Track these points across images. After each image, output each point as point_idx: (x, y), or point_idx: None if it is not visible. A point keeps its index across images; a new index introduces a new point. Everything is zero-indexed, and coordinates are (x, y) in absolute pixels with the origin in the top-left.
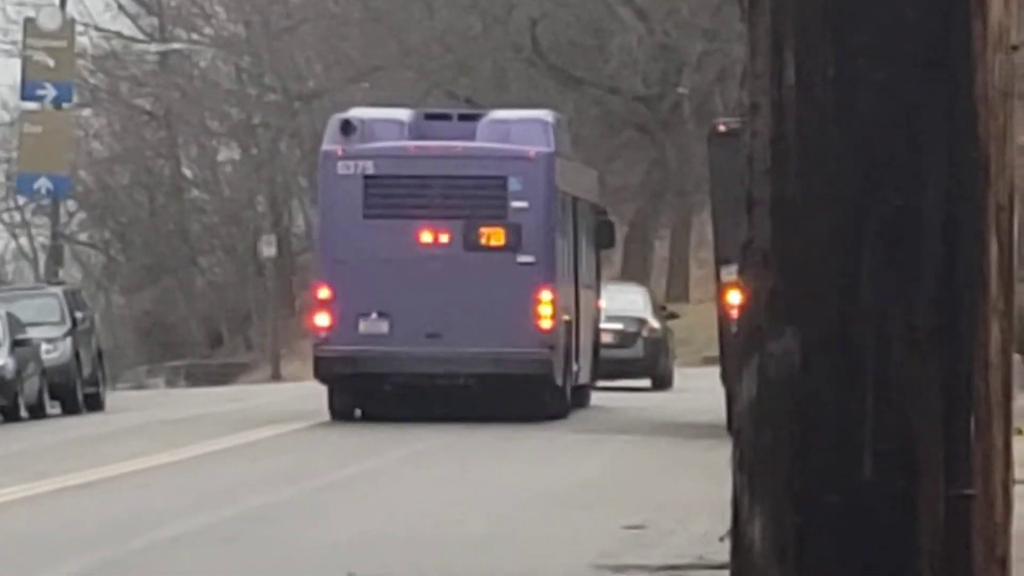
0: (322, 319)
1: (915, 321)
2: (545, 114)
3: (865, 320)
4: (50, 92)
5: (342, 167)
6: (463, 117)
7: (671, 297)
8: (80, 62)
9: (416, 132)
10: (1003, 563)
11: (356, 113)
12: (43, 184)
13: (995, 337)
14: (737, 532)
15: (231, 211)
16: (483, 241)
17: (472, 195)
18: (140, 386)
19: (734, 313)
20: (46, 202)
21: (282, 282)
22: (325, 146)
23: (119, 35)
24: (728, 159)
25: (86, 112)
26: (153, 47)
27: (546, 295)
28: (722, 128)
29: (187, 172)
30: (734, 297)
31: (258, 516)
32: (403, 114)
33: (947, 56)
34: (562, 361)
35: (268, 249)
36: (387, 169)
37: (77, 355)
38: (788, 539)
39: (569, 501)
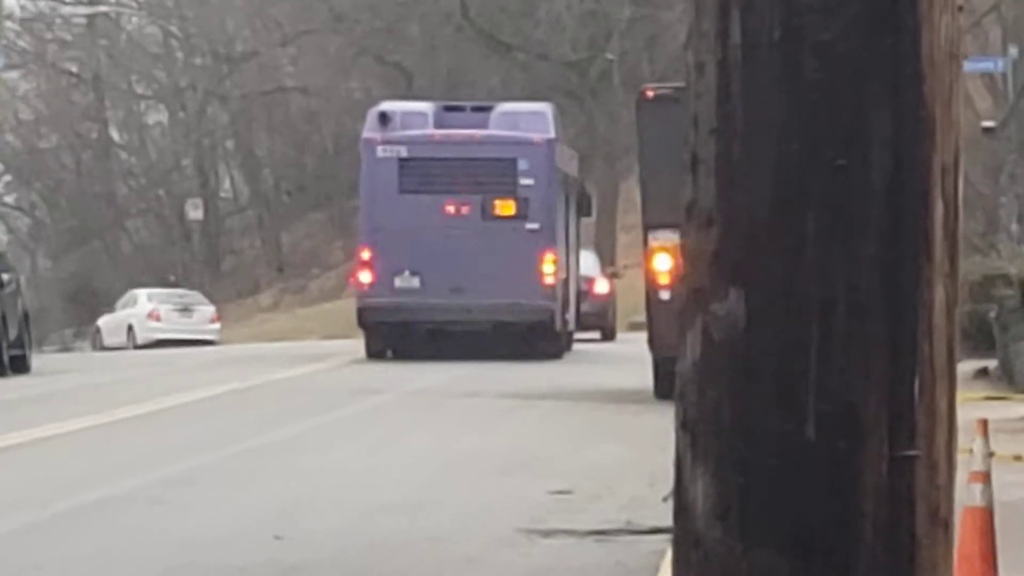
0: (364, 276)
1: (859, 283)
2: (546, 106)
3: (809, 282)
4: None
5: (380, 151)
6: (476, 109)
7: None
8: (7, 24)
9: (438, 122)
10: (946, 525)
11: (389, 106)
12: None
13: (940, 299)
14: (680, 492)
15: (158, 174)
16: (497, 212)
17: (488, 174)
18: (66, 348)
19: (661, 279)
20: None
21: (208, 245)
22: (366, 134)
23: None
24: (656, 125)
25: (13, 75)
26: (81, 10)
27: (549, 256)
28: (650, 94)
29: (114, 135)
30: (661, 262)
31: (185, 479)
32: (426, 107)
33: (894, 16)
34: (560, 311)
35: (194, 212)
36: (418, 153)
37: (3, 317)
38: (731, 500)
39: (498, 466)
